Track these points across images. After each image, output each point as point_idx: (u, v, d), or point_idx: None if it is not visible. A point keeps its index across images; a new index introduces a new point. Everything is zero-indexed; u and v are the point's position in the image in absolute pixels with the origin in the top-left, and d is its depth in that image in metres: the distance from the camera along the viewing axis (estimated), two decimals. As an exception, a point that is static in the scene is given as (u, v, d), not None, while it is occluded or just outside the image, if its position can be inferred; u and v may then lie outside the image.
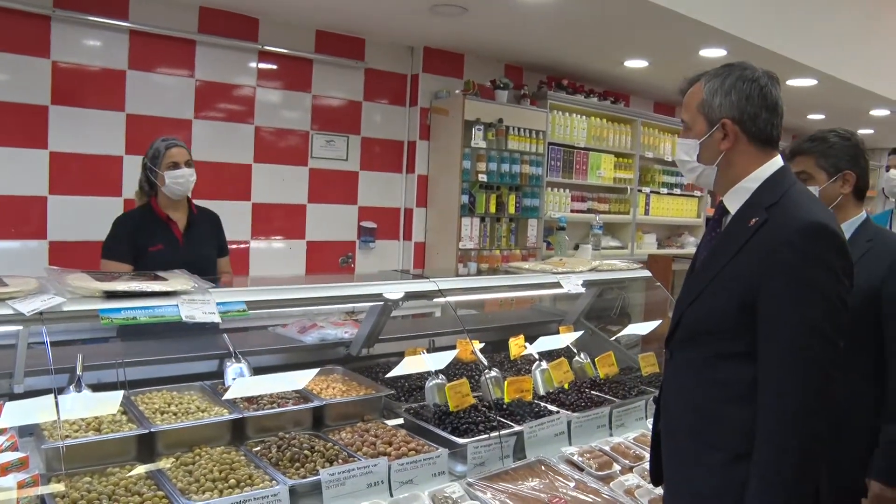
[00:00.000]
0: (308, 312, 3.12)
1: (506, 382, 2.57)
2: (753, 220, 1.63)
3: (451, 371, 2.89)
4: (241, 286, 2.44)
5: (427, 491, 2.03)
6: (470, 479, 2.15)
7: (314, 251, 5.08)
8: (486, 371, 2.60)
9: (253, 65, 4.67)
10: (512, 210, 5.58)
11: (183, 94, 4.40)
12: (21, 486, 1.65)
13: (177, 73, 4.37)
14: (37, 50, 3.89)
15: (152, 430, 2.04)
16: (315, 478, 1.95)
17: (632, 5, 4.11)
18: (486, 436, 2.30)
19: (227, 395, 2.26)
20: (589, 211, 6.32)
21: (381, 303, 2.78)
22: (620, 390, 2.95)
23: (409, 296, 2.67)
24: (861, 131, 8.20)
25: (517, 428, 2.41)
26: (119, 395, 2.00)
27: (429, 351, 2.81)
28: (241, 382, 2.28)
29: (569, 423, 2.55)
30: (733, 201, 1.73)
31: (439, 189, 5.45)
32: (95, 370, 2.30)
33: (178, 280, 2.12)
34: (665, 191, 7.22)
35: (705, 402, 1.67)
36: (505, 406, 2.57)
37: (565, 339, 3.14)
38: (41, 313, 1.81)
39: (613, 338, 3.48)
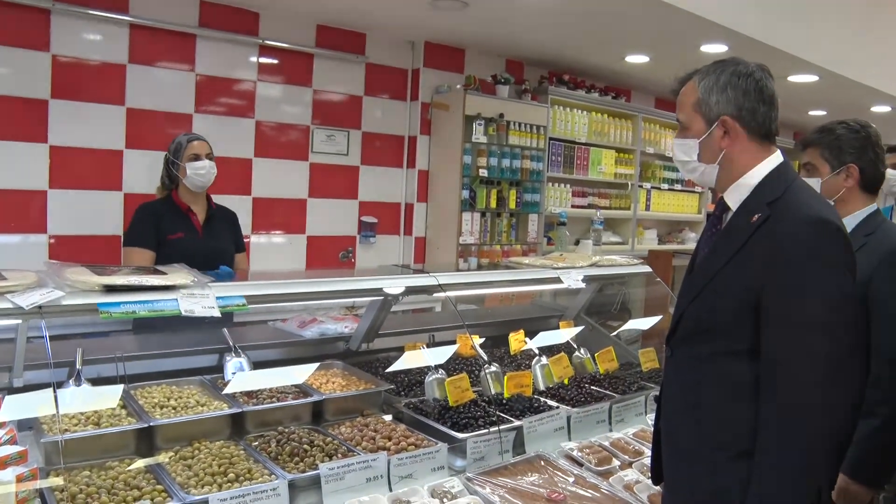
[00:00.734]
0: (308, 307, 3.13)
1: (505, 377, 2.57)
2: (755, 216, 1.61)
3: (451, 366, 2.90)
4: (241, 280, 2.43)
5: (426, 485, 2.03)
6: (469, 474, 2.15)
7: (314, 246, 5.08)
8: (486, 366, 2.60)
9: (253, 59, 4.66)
10: (512, 205, 5.58)
11: (183, 89, 4.39)
12: (20, 479, 1.65)
13: (177, 67, 4.36)
14: (37, 43, 3.88)
15: (151, 424, 2.04)
16: (314, 472, 1.95)
17: (633, 0, 4.11)
18: (486, 431, 2.30)
19: (227, 390, 2.26)
20: (589, 206, 6.32)
21: (381, 297, 2.77)
22: (620, 386, 2.94)
23: (409, 290, 2.66)
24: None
25: (517, 423, 2.40)
26: (119, 389, 1.99)
27: (429, 346, 2.81)
28: (240, 377, 2.27)
29: (568, 419, 2.55)
30: (734, 198, 1.71)
31: (440, 184, 5.44)
32: (95, 364, 2.30)
33: (177, 274, 2.12)
34: (666, 186, 7.21)
35: (706, 400, 1.66)
36: (504, 401, 2.57)
37: (565, 334, 3.14)
38: (40, 307, 1.81)
39: (613, 333, 3.47)
